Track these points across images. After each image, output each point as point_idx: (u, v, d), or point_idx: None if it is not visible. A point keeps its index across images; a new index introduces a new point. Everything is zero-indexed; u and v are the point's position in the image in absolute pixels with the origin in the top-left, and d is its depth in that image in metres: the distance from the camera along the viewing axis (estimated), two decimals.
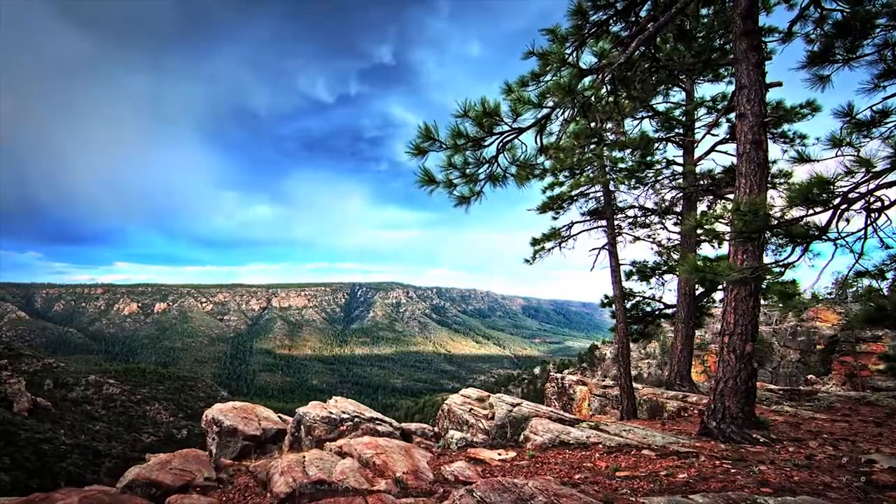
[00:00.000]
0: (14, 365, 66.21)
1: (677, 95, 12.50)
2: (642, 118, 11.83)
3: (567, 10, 6.20)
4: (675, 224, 12.90)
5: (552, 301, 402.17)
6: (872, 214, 4.18)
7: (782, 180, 10.87)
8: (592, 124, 7.88)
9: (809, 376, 23.32)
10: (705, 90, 25.29)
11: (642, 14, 6.72)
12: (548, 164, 6.44)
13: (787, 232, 4.39)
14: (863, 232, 4.25)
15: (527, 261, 13.01)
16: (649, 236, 13.29)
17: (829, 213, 4.15)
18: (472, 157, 5.76)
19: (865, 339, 21.05)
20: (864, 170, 3.92)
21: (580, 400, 13.55)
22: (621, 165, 12.05)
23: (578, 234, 12.54)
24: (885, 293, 4.64)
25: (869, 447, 5.41)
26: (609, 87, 6.35)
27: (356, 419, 7.44)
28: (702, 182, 11.90)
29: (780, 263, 4.79)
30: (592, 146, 11.02)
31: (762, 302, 7.14)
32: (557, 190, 12.51)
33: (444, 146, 5.53)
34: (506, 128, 5.53)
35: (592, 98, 5.62)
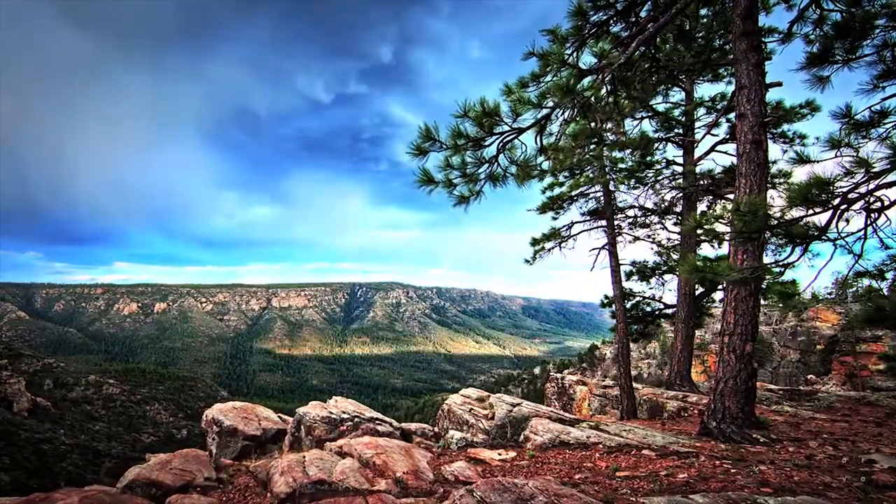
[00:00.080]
0: (14, 365, 66.20)
1: (677, 95, 12.52)
2: (642, 118, 11.83)
3: (567, 10, 6.21)
4: (675, 224, 12.90)
5: (552, 301, 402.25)
6: (872, 215, 4.18)
7: (782, 180, 10.87)
8: (592, 124, 7.88)
9: (809, 376, 23.33)
10: (705, 90, 25.30)
11: (642, 14, 6.72)
12: (548, 164, 6.44)
13: (786, 232, 4.39)
14: (862, 232, 4.25)
15: (527, 261, 13.03)
16: (649, 236, 13.30)
17: (828, 214, 4.15)
18: (472, 157, 5.77)
19: (865, 339, 21.05)
20: (863, 170, 3.92)
21: (580, 400, 13.55)
22: (621, 165, 12.06)
23: (578, 234, 12.55)
24: (885, 293, 4.64)
25: (869, 447, 5.42)
26: (609, 88, 6.35)
27: (356, 419, 7.45)
28: (702, 182, 11.90)
29: (780, 263, 4.79)
30: (592, 146, 11.03)
31: (762, 302, 7.15)
32: (557, 190, 12.52)
33: (444, 146, 5.54)
34: (506, 128, 5.54)
35: (592, 98, 5.63)
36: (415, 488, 4.54)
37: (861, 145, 4.49)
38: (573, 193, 12.40)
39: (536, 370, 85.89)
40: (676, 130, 12.17)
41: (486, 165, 5.90)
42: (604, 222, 12.05)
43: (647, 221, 13.33)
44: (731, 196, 10.75)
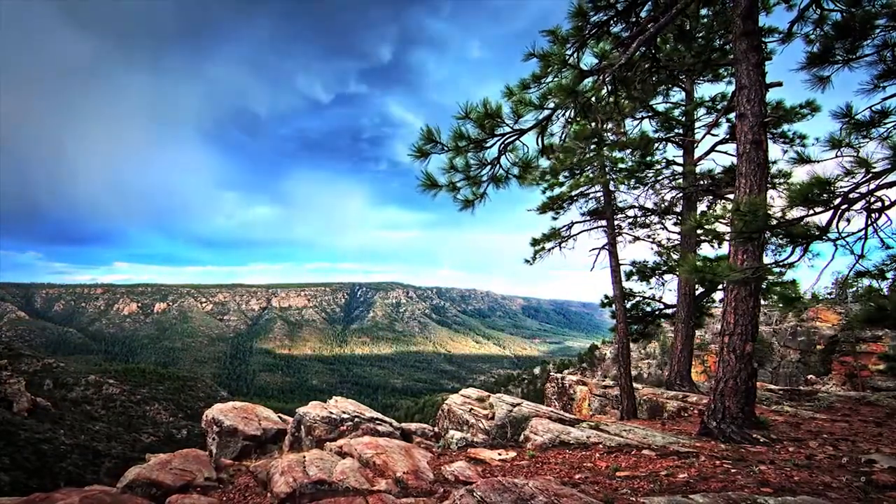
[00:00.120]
0: (14, 365, 66.17)
1: (677, 95, 12.52)
2: (642, 118, 11.84)
3: (567, 11, 6.21)
4: (675, 224, 12.91)
5: (552, 301, 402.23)
6: (872, 215, 4.18)
7: (782, 180, 10.87)
8: (593, 125, 7.89)
9: (809, 376, 23.33)
10: (705, 90, 25.29)
11: (643, 15, 6.72)
12: (549, 164, 6.45)
13: (787, 232, 4.40)
14: (863, 232, 4.25)
15: (527, 261, 13.03)
16: (649, 236, 13.30)
17: (829, 214, 4.15)
18: (475, 159, 5.76)
19: (865, 339, 21.06)
20: (863, 170, 3.93)
21: (580, 400, 13.56)
22: (621, 165, 12.06)
23: (578, 234, 12.56)
24: (885, 293, 4.64)
25: (869, 447, 5.42)
26: (609, 88, 6.35)
27: (356, 419, 7.45)
28: (702, 182, 11.90)
29: (781, 263, 4.80)
30: (593, 146, 11.03)
31: (762, 302, 7.15)
32: (557, 190, 12.53)
33: (446, 148, 5.53)
34: (507, 129, 5.54)
35: (593, 99, 5.63)
36: (415, 488, 4.54)
37: (862, 145, 4.49)
38: (573, 193, 12.41)
39: (536, 370, 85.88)
40: (676, 130, 12.17)
41: (489, 167, 5.90)
42: (604, 222, 12.06)
43: (647, 221, 13.33)
44: (731, 196, 10.75)
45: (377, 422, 7.62)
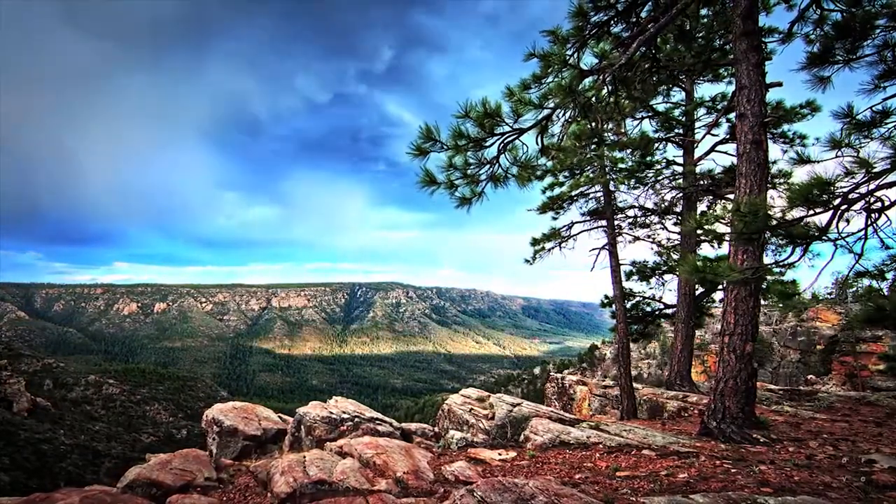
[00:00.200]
0: (14, 365, 66.17)
1: (677, 95, 12.52)
2: (642, 118, 11.84)
3: (568, 11, 6.21)
4: (675, 224, 12.91)
5: (552, 301, 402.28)
6: (872, 215, 4.18)
7: (782, 181, 10.87)
8: (593, 125, 7.88)
9: (809, 376, 23.33)
10: (705, 90, 25.28)
11: (643, 15, 6.72)
12: (549, 164, 6.45)
13: (787, 232, 4.40)
14: (863, 232, 4.25)
15: (527, 261, 13.03)
16: (649, 236, 13.30)
17: (829, 214, 4.15)
18: (474, 158, 5.77)
19: (865, 340, 21.06)
20: (863, 171, 3.93)
21: (580, 400, 13.56)
22: (621, 165, 12.06)
23: (578, 234, 12.56)
24: (885, 293, 4.64)
25: (869, 447, 5.42)
26: (609, 88, 6.35)
27: (356, 419, 7.45)
28: (702, 182, 11.91)
29: (781, 264, 4.80)
30: (593, 146, 11.04)
31: (762, 302, 7.15)
32: (557, 190, 12.53)
33: (445, 147, 5.54)
34: (507, 128, 5.54)
35: (593, 99, 5.63)
36: (415, 488, 4.54)
37: (862, 145, 4.48)
38: (573, 193, 12.41)
39: (536, 370, 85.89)
40: (676, 130, 12.17)
41: (488, 166, 5.90)
42: (604, 222, 12.06)
43: (647, 221, 13.33)
44: (732, 196, 10.75)
45: (377, 422, 7.62)
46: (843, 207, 4.09)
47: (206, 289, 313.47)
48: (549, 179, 12.33)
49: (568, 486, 3.82)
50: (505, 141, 5.71)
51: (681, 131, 12.15)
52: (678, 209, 12.71)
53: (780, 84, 6.80)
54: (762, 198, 5.57)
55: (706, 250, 13.06)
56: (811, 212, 4.20)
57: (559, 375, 15.64)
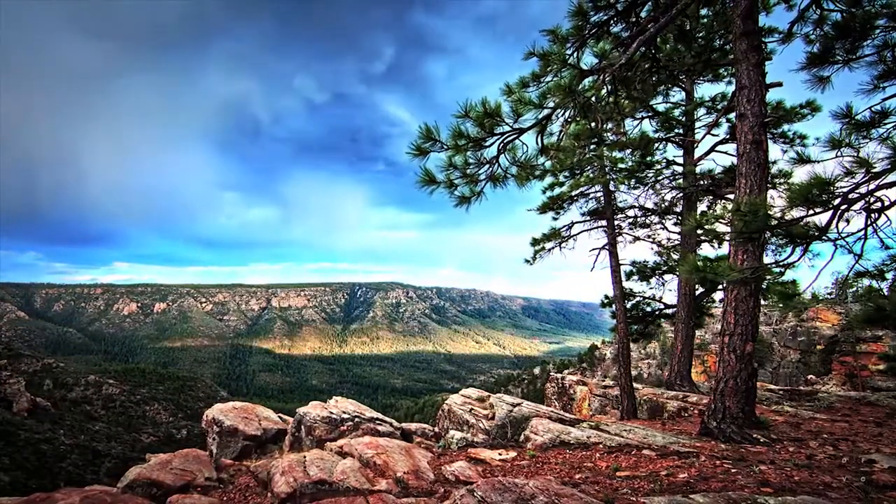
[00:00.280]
0: (14, 365, 66.17)
1: (677, 95, 12.53)
2: (642, 118, 11.84)
3: (567, 10, 6.21)
4: (675, 224, 12.91)
5: (552, 301, 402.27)
6: (872, 215, 4.18)
7: (782, 180, 10.88)
8: (593, 125, 7.88)
9: (809, 376, 23.33)
10: (705, 90, 25.29)
11: (643, 15, 6.72)
12: (548, 164, 6.44)
13: (787, 232, 4.40)
14: (863, 232, 4.25)
15: (527, 261, 13.03)
16: (649, 236, 13.30)
17: (829, 214, 4.15)
18: (473, 158, 5.77)
19: (865, 339, 21.06)
20: (863, 170, 3.93)
21: (580, 400, 13.56)
22: (621, 165, 12.06)
23: (578, 234, 12.56)
24: (885, 293, 4.64)
25: (869, 447, 5.42)
26: (609, 88, 6.35)
27: (356, 419, 7.45)
28: (702, 182, 11.91)
29: (781, 264, 4.79)
30: (593, 146, 11.03)
31: (762, 302, 7.15)
32: (557, 190, 12.52)
33: (444, 147, 5.54)
34: (507, 128, 5.54)
35: (593, 98, 5.63)
36: (415, 488, 4.54)
37: (862, 145, 4.48)
38: (573, 193, 12.40)
39: (536, 370, 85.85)
40: (676, 130, 12.17)
41: (487, 166, 5.91)
42: (604, 222, 12.06)
43: (648, 221, 13.33)
44: (732, 196, 10.76)
45: (377, 422, 7.63)
46: (843, 207, 4.09)
47: (206, 289, 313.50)
48: (549, 179, 12.32)
49: (568, 486, 3.82)
50: (505, 141, 5.71)
51: (681, 131, 12.15)
52: (678, 209, 12.71)
53: (780, 84, 6.80)
54: (762, 198, 5.57)
55: (706, 250, 13.08)
56: (811, 212, 4.20)
57: (559, 375, 15.64)
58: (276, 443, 7.68)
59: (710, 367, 31.67)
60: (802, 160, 4.72)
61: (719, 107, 11.44)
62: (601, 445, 5.73)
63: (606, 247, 11.72)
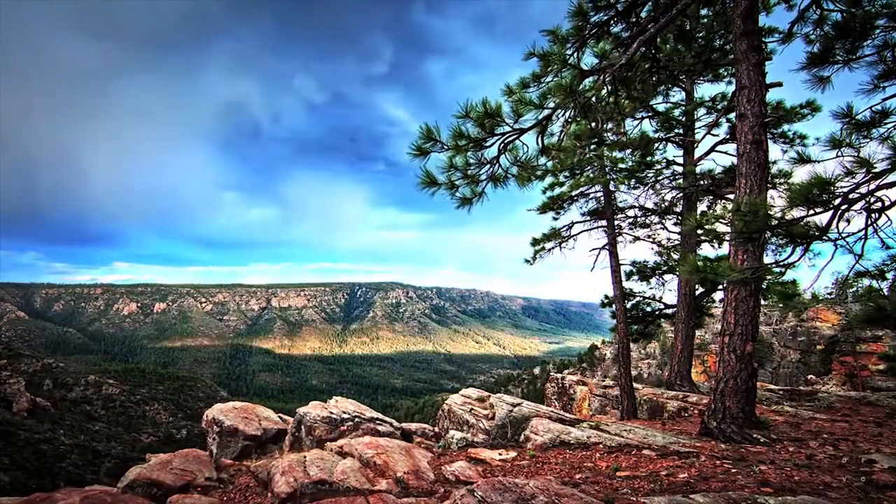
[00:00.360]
0: (13, 365, 66.16)
1: (677, 95, 12.53)
2: (642, 118, 11.84)
3: (567, 11, 6.21)
4: (675, 224, 12.91)
5: (552, 301, 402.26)
6: (873, 215, 4.18)
7: (782, 180, 10.88)
8: (593, 125, 7.88)
9: (809, 376, 23.33)
10: (705, 90, 25.26)
11: (643, 15, 6.72)
12: (549, 164, 6.44)
13: (787, 232, 4.40)
14: (863, 232, 4.25)
15: (527, 261, 13.03)
16: (649, 236, 13.30)
17: (829, 214, 4.15)
18: (474, 158, 5.77)
19: (865, 340, 21.06)
20: (864, 170, 3.93)
21: (580, 400, 13.56)
22: (621, 165, 12.06)
23: (578, 234, 12.56)
24: (885, 293, 4.65)
25: (869, 447, 5.42)
26: (609, 88, 6.35)
27: (357, 419, 7.45)
28: (702, 182, 11.91)
29: (781, 264, 4.80)
30: (593, 146, 11.03)
31: (762, 302, 7.15)
32: (558, 190, 12.53)
33: (445, 147, 5.54)
34: (507, 129, 5.54)
35: (593, 99, 5.63)
36: (416, 488, 4.54)
37: (862, 145, 4.49)
38: (573, 193, 12.40)
39: (536, 370, 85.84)
40: (677, 130, 12.17)
41: (488, 166, 5.91)
42: (604, 222, 12.06)
43: (648, 221, 13.33)
44: (732, 196, 10.76)
45: (377, 422, 7.63)
46: (844, 207, 4.09)
47: (206, 289, 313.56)
48: (549, 179, 12.32)
49: (568, 486, 3.82)
50: (505, 141, 5.71)
51: (681, 131, 12.15)
52: (678, 209, 12.71)
53: (780, 84, 6.81)
54: (762, 198, 5.57)
55: (706, 250, 13.08)
56: (811, 212, 4.20)
57: (559, 375, 15.64)
58: (277, 443, 7.68)
59: (710, 367, 31.68)
60: (802, 160, 4.72)
61: (719, 107, 11.45)
62: (601, 445, 5.73)
63: (606, 247, 11.72)
